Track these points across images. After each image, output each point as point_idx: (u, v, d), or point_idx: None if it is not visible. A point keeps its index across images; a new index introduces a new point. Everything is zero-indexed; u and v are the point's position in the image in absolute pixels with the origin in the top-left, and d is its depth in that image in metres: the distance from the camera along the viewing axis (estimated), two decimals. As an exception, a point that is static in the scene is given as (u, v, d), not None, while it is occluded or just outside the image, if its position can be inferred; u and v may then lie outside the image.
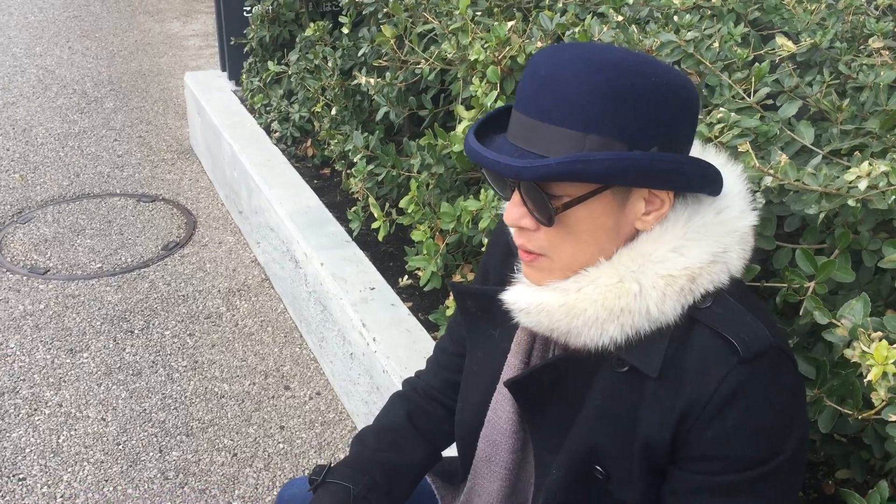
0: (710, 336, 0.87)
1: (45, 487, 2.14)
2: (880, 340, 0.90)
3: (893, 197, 1.10)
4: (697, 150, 0.97)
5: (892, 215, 1.17)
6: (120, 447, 2.28)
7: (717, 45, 1.60)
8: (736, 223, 0.92)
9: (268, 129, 3.48)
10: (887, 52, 1.57)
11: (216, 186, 3.90)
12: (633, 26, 1.74)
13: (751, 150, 1.20)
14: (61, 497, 2.11)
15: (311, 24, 3.08)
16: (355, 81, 2.59)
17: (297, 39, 3.32)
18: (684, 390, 0.87)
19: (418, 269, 2.03)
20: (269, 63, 3.43)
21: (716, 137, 1.32)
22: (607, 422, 0.94)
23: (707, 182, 0.89)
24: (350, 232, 2.60)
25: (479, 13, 2.10)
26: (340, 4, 2.90)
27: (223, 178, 3.69)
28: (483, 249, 1.86)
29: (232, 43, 3.92)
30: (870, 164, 1.10)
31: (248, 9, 3.90)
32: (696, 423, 0.87)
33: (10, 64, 5.63)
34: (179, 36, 6.56)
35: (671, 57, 1.61)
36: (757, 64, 1.49)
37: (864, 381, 0.93)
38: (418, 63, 2.17)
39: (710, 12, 1.82)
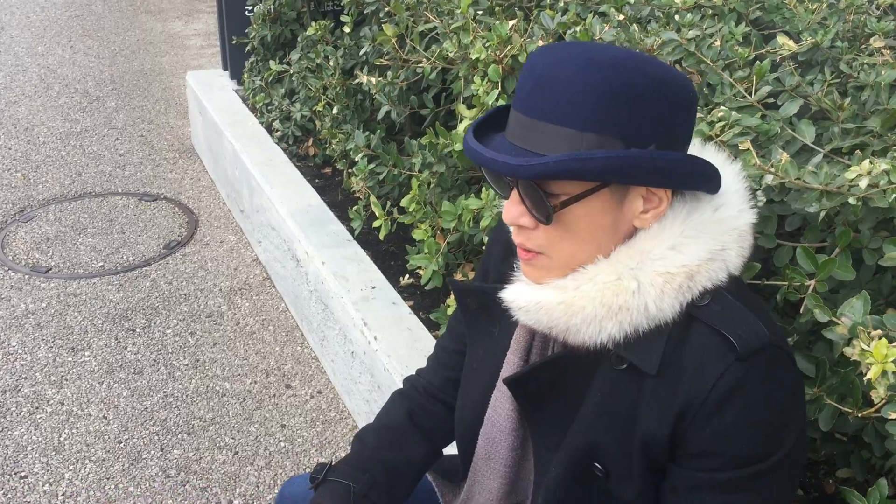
0: (708, 333, 0.87)
1: (46, 485, 2.15)
2: (880, 338, 0.90)
3: (894, 195, 1.10)
4: (696, 149, 0.97)
5: (892, 214, 1.17)
6: (121, 445, 2.29)
7: (718, 43, 1.60)
8: (734, 221, 0.92)
9: (269, 129, 3.49)
10: (888, 52, 1.57)
11: (218, 185, 3.90)
12: (635, 25, 1.74)
13: (751, 149, 1.20)
14: (63, 495, 2.12)
15: (313, 24, 3.09)
16: (357, 80, 2.59)
17: (299, 38, 3.32)
18: (683, 387, 0.87)
19: (419, 267, 2.03)
20: (271, 62, 3.43)
21: (717, 136, 1.32)
22: (606, 419, 0.94)
23: (705, 180, 0.89)
24: (351, 231, 2.60)
25: (480, 12, 2.10)
26: (342, 3, 2.90)
27: (225, 177, 3.69)
28: (484, 248, 1.86)
29: (234, 42, 3.93)
30: (870, 163, 1.10)
31: (250, 8, 3.91)
32: (694, 420, 0.87)
33: (13, 63, 5.63)
34: (181, 35, 6.57)
35: (672, 55, 1.61)
36: (758, 62, 1.49)
37: (864, 379, 0.93)
38: (420, 62, 2.17)
39: (711, 11, 1.82)
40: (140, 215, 3.63)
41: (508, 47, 1.84)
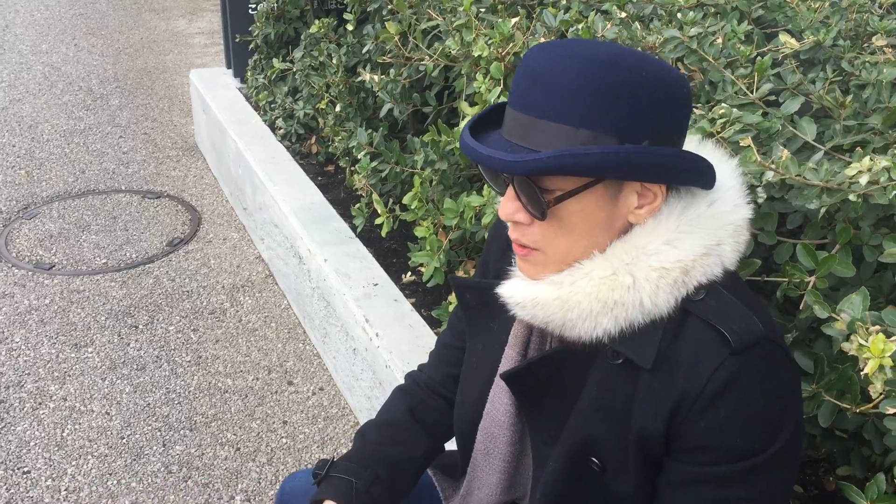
0: (703, 328, 0.88)
1: (49, 480, 2.15)
2: (878, 334, 0.90)
3: (894, 192, 1.10)
4: (694, 145, 0.98)
5: (893, 211, 1.18)
6: (124, 441, 2.30)
7: (720, 41, 1.60)
8: (729, 216, 0.93)
9: (272, 126, 3.49)
10: (890, 50, 1.57)
11: (221, 183, 3.91)
12: (637, 23, 1.74)
13: (752, 146, 1.21)
14: (65, 490, 2.13)
15: (316, 22, 3.09)
16: (360, 78, 2.60)
17: (302, 37, 3.33)
18: (677, 382, 0.88)
19: (421, 265, 2.04)
20: (274, 60, 3.44)
21: (717, 133, 1.32)
22: (603, 414, 0.94)
23: (699, 175, 0.89)
24: (353, 228, 2.61)
25: (483, 10, 2.11)
26: (345, 1, 2.91)
27: (228, 175, 3.70)
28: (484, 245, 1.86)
29: (237, 40, 3.94)
30: (871, 160, 1.11)
31: (254, 6, 3.92)
32: (689, 415, 0.87)
33: (17, 61, 5.65)
34: (185, 34, 6.58)
35: (674, 53, 1.62)
36: (759, 58, 1.49)
37: (862, 374, 0.93)
38: (422, 59, 2.18)
39: (713, 10, 1.83)
40: (143, 213, 3.64)
41: (511, 45, 1.84)
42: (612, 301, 0.89)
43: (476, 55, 1.87)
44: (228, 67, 4.21)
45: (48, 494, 2.11)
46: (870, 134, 1.34)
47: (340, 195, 3.00)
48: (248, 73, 3.83)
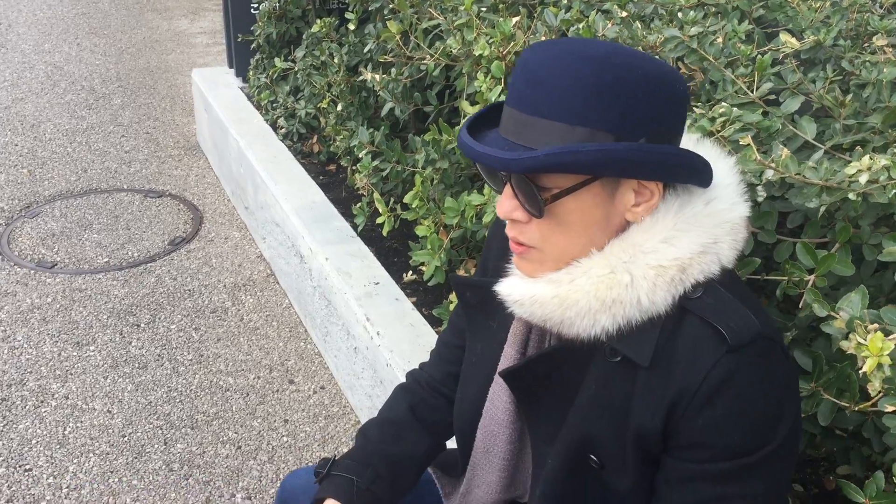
0: (700, 325, 0.88)
1: (50, 478, 2.16)
2: (876, 332, 0.90)
3: (894, 191, 1.10)
4: (692, 144, 0.98)
5: (892, 209, 1.18)
6: (125, 439, 2.30)
7: (720, 41, 1.60)
8: (726, 214, 0.93)
9: (274, 126, 3.50)
10: (891, 50, 1.57)
11: (222, 182, 3.91)
12: (638, 22, 1.74)
13: (752, 144, 1.21)
14: (67, 488, 2.13)
15: (318, 21, 3.10)
16: (361, 77, 2.60)
17: (304, 36, 3.34)
18: (675, 379, 0.88)
19: (422, 264, 2.04)
20: (276, 60, 3.44)
21: (717, 132, 1.32)
22: (601, 411, 0.95)
23: (695, 173, 0.90)
24: (355, 227, 2.61)
25: (484, 9, 2.11)
26: (346, 1, 2.91)
27: (229, 174, 3.71)
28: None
29: (239, 40, 3.94)
30: (870, 159, 1.11)
31: (256, 6, 3.92)
32: (686, 412, 0.88)
33: (19, 60, 5.66)
34: (187, 33, 6.59)
35: (675, 52, 1.62)
36: (759, 57, 1.49)
37: (860, 372, 0.94)
38: (423, 59, 2.18)
39: (714, 9, 1.83)
40: (145, 212, 3.65)
41: (512, 44, 1.85)
42: (611, 299, 0.89)
43: (477, 54, 1.88)
44: (230, 67, 4.22)
45: (49, 492, 2.12)
46: (869, 133, 1.34)
47: (342, 194, 3.00)
48: (250, 73, 3.83)
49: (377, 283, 2.33)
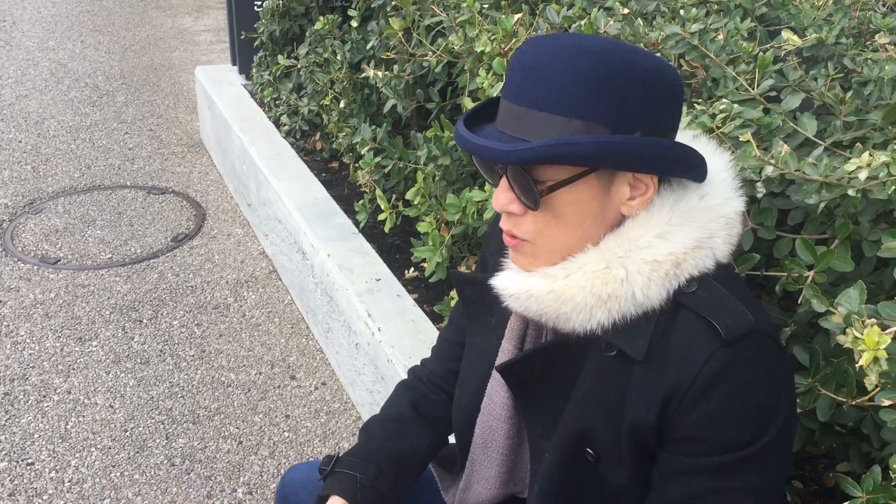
0: (694, 320, 0.88)
1: (53, 472, 2.17)
2: (873, 326, 0.90)
3: (893, 187, 1.10)
4: (688, 139, 0.98)
5: (892, 206, 1.18)
6: (127, 434, 2.31)
7: (721, 38, 1.61)
8: (721, 209, 0.93)
9: (277, 123, 3.50)
10: (893, 48, 1.57)
11: (225, 179, 3.92)
12: (640, 19, 1.75)
13: (752, 140, 1.21)
14: (69, 482, 2.14)
15: (321, 18, 3.10)
16: (364, 74, 2.61)
17: (307, 33, 3.34)
18: (669, 373, 0.88)
19: (424, 260, 2.05)
20: (279, 57, 3.45)
21: (718, 128, 1.33)
22: (597, 405, 0.95)
23: (690, 167, 0.90)
24: (357, 224, 2.62)
25: (486, 6, 2.12)
26: (350, -2, 2.92)
27: (232, 171, 3.71)
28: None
29: (242, 37, 3.95)
30: (870, 155, 1.11)
31: (259, 3, 3.93)
32: (680, 406, 0.88)
33: (24, 57, 5.68)
34: (191, 31, 6.60)
35: (676, 49, 1.62)
36: (761, 54, 1.50)
37: (857, 367, 0.94)
38: (426, 56, 2.19)
39: (716, 7, 1.83)
40: (148, 208, 3.66)
41: (514, 40, 1.85)
42: (606, 294, 0.90)
43: (479, 51, 1.88)
44: (234, 64, 4.22)
45: (52, 486, 2.13)
46: (870, 130, 1.34)
47: (344, 191, 3.01)
48: (254, 70, 3.84)
49: (379, 280, 2.33)
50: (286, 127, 3.42)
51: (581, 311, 0.91)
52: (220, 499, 2.10)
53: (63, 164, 4.05)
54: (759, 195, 1.25)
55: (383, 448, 1.19)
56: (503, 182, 0.92)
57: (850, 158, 1.17)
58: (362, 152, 2.46)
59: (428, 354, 1.35)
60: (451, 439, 1.27)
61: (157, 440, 2.29)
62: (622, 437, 0.94)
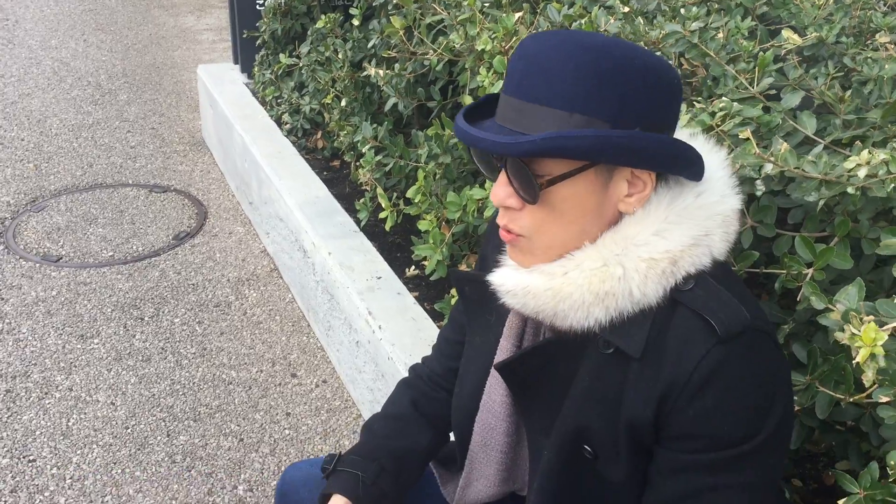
0: (690, 317, 0.89)
1: (54, 469, 2.18)
2: (870, 323, 0.91)
3: (893, 185, 1.11)
4: (685, 137, 0.99)
5: (891, 204, 1.18)
6: (128, 431, 2.32)
7: (721, 36, 1.61)
8: (717, 207, 0.93)
9: (279, 121, 3.51)
10: (893, 47, 1.58)
11: (227, 177, 3.93)
12: (640, 18, 1.75)
13: (752, 138, 1.21)
14: (70, 478, 2.15)
15: (323, 17, 3.11)
16: (365, 73, 2.61)
17: (309, 32, 3.35)
18: (665, 370, 0.88)
19: (424, 258, 2.05)
20: (281, 55, 3.46)
21: (717, 126, 1.33)
22: (594, 402, 0.95)
23: (688, 164, 0.90)
24: (358, 222, 2.62)
25: (487, 5, 2.12)
26: (351, -3, 2.92)
27: (234, 170, 3.72)
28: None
29: (244, 36, 3.96)
30: (869, 153, 1.11)
31: (261, 2, 3.94)
32: (676, 403, 0.88)
33: (26, 56, 5.69)
34: (193, 30, 6.61)
35: (676, 47, 1.62)
36: (761, 53, 1.50)
37: (854, 363, 0.94)
38: (427, 54, 2.19)
39: (717, 6, 1.83)
40: (150, 206, 3.66)
41: (514, 39, 1.85)
42: (604, 292, 0.90)
43: (480, 49, 1.88)
44: (236, 63, 4.23)
45: (53, 482, 2.13)
46: (869, 129, 1.34)
47: (345, 190, 3.01)
48: (255, 69, 3.85)
49: (379, 278, 2.34)
50: (288, 125, 3.43)
51: (579, 309, 0.91)
52: (220, 496, 2.11)
53: (65, 163, 4.06)
54: (759, 193, 1.25)
55: (385, 446, 1.20)
56: (501, 176, 0.92)
57: (849, 156, 1.17)
58: (363, 151, 2.46)
59: (428, 352, 1.35)
60: (452, 437, 1.27)
61: (159, 437, 2.30)
62: (619, 434, 0.94)
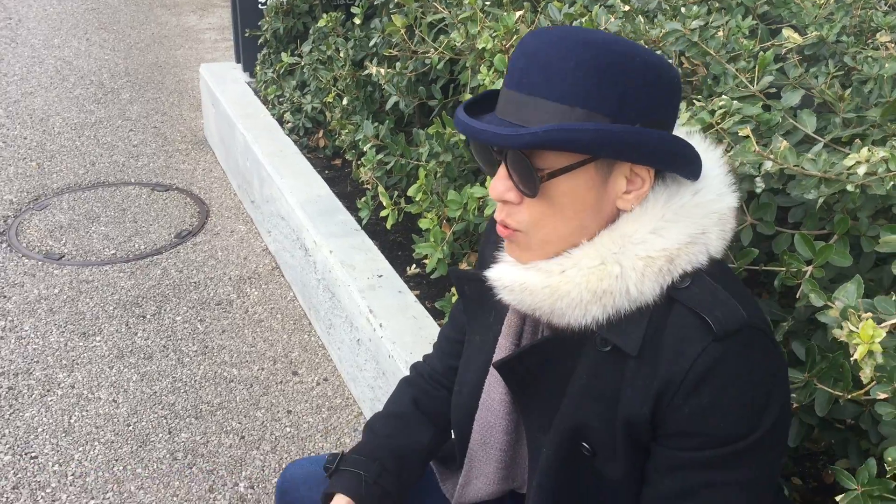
0: (686, 315, 0.89)
1: (56, 466, 2.18)
2: (868, 320, 0.91)
3: (892, 183, 1.11)
4: (682, 135, 0.99)
5: (890, 201, 1.18)
6: (130, 428, 2.32)
7: (721, 34, 1.61)
8: (714, 205, 0.94)
9: (280, 120, 3.52)
10: (893, 46, 1.58)
11: (229, 176, 3.94)
12: (640, 16, 1.75)
13: (751, 136, 1.22)
14: (72, 475, 2.15)
15: (324, 16, 3.11)
16: (366, 72, 2.61)
17: (311, 31, 3.35)
18: (662, 368, 0.89)
19: (425, 256, 2.06)
20: (283, 54, 3.46)
21: (717, 124, 1.33)
22: (592, 400, 0.95)
23: (687, 162, 0.91)
24: (359, 221, 2.63)
25: (488, 3, 2.12)
26: (353, -4, 2.93)
27: (236, 168, 3.73)
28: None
29: (247, 35, 3.96)
30: (869, 151, 1.11)
31: (263, 1, 3.94)
32: (673, 401, 0.88)
33: (29, 55, 5.70)
34: (196, 29, 6.62)
35: (676, 46, 1.63)
36: (761, 52, 1.50)
37: (852, 360, 0.94)
38: (428, 53, 2.19)
39: (717, 5, 1.83)
40: (152, 205, 3.67)
41: (515, 37, 1.86)
42: (601, 290, 0.90)
43: (481, 48, 1.89)
44: (238, 62, 4.24)
45: (55, 479, 2.14)
46: (869, 127, 1.34)
47: (347, 188, 3.02)
48: (257, 68, 3.85)
49: (381, 276, 2.34)
50: (289, 124, 3.43)
51: (576, 307, 0.91)
52: (221, 493, 2.11)
53: (68, 161, 4.07)
54: (759, 190, 1.25)
55: (386, 445, 1.20)
56: (501, 170, 0.92)
57: (848, 154, 1.18)
58: (365, 149, 2.47)
59: (429, 350, 1.35)
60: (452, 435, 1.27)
61: (160, 434, 2.30)
62: (617, 431, 0.94)
